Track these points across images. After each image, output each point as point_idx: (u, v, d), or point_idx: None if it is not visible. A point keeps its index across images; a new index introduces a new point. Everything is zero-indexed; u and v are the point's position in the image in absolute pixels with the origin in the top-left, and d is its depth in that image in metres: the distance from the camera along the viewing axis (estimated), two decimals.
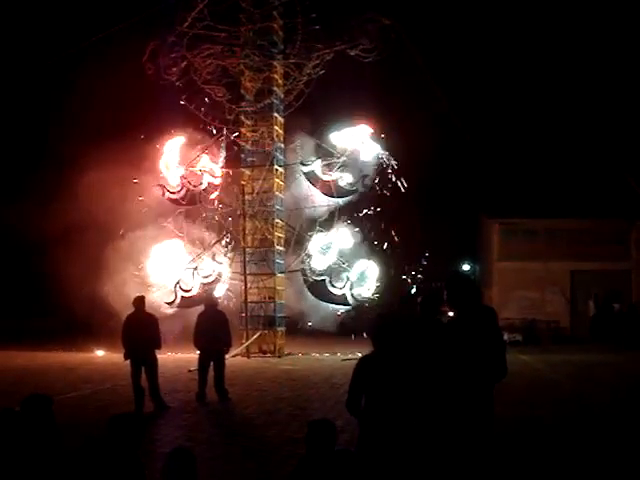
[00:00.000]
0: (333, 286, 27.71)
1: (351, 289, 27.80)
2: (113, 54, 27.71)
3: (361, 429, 6.36)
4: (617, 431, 11.50)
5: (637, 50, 27.29)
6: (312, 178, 28.47)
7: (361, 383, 6.28)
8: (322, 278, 27.84)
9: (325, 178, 28.26)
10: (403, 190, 29.71)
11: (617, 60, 27.84)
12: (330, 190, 28.30)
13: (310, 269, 28.05)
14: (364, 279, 28.00)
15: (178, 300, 27.98)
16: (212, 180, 28.90)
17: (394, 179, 29.58)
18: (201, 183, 28.84)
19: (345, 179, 28.23)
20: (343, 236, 28.28)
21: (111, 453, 5.48)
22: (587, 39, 27.87)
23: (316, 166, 28.37)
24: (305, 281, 28.33)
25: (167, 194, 28.87)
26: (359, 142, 28.27)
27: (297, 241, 29.10)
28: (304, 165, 28.64)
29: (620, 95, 28.57)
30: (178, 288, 28.08)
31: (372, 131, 28.43)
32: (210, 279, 28.12)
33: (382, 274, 28.91)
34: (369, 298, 28.09)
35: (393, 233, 30.75)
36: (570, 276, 37.17)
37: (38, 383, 17.02)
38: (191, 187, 28.81)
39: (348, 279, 27.80)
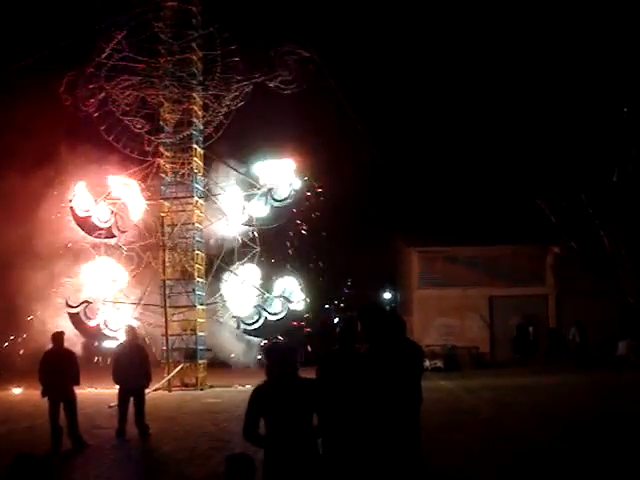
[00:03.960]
0: (246, 324, 27.82)
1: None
2: (29, 85, 27.30)
3: (265, 456, 6.30)
4: (535, 452, 11.76)
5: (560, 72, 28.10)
6: (231, 209, 28.41)
7: (256, 412, 6.30)
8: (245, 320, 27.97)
9: (244, 209, 28.24)
10: (321, 219, 30.00)
11: (528, 84, 28.66)
12: (250, 221, 28.31)
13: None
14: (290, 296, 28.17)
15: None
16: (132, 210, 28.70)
17: (313, 209, 29.86)
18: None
19: (264, 210, 28.29)
20: (257, 269, 28.50)
21: None
22: (498, 72, 28.65)
23: (235, 197, 28.36)
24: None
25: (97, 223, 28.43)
26: (280, 174, 28.36)
27: (216, 272, 28.99)
28: (223, 195, 28.60)
29: (529, 122, 29.35)
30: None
31: (295, 165, 28.50)
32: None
33: (306, 303, 29.11)
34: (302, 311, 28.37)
35: (314, 264, 30.96)
36: (489, 302, 37.78)
37: None
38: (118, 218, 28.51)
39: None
